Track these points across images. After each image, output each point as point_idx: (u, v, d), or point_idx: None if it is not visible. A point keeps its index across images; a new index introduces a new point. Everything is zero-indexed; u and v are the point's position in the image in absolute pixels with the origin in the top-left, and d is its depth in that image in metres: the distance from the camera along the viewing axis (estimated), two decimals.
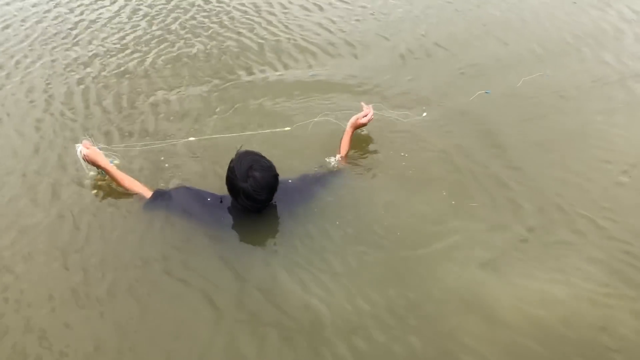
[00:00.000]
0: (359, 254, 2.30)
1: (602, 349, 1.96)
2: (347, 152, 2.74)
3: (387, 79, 3.46)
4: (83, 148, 2.47)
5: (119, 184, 2.50)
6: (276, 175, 2.27)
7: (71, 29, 4.07)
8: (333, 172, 2.63)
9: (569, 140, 2.94)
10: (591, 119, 3.09)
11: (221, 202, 2.38)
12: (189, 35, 3.98)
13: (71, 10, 4.31)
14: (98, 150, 2.50)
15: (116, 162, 2.60)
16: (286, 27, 4.06)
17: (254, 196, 2.22)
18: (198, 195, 2.41)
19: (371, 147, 2.87)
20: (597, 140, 2.91)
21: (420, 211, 2.49)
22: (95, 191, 2.56)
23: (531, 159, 2.81)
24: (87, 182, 2.60)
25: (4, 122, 3.12)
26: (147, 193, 2.45)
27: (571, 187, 2.62)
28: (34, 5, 4.37)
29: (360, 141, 2.88)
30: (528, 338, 1.98)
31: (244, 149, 2.31)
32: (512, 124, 3.07)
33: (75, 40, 3.93)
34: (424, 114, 3.10)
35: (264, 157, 2.29)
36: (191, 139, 2.87)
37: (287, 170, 2.47)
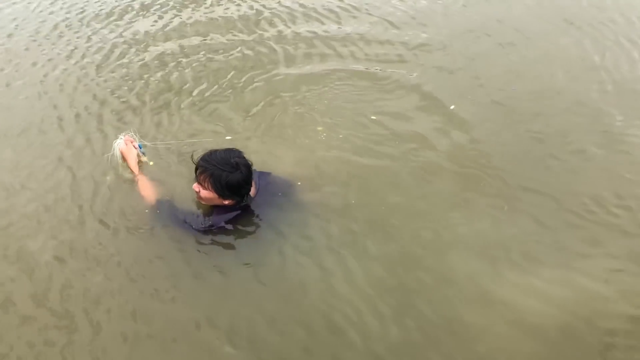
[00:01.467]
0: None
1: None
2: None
3: None
4: (121, 142, 2.63)
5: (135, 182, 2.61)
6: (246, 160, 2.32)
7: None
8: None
9: None
10: None
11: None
12: None
13: None
14: (133, 150, 2.64)
15: (144, 158, 2.72)
16: None
17: (250, 179, 2.29)
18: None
19: None
20: None
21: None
22: (108, 177, 2.71)
23: None
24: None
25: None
26: (151, 200, 2.50)
27: None
28: None
29: None
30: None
31: (195, 155, 2.33)
32: None
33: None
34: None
35: (217, 150, 2.30)
36: (228, 137, 2.98)
37: None
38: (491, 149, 2.93)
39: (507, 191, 2.69)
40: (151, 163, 2.73)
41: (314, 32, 4.02)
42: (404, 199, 2.65)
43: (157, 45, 3.88)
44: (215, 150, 2.28)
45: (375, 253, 2.39)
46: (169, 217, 2.43)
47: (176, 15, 4.25)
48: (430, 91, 3.38)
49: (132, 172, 2.61)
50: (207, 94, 3.38)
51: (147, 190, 2.54)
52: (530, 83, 3.46)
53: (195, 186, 2.30)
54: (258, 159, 2.60)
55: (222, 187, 2.23)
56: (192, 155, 2.35)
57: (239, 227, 2.42)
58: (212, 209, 2.40)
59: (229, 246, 2.38)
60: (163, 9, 4.34)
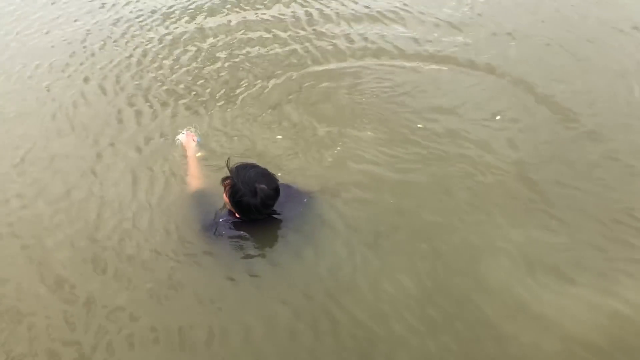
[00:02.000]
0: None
1: None
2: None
3: None
4: (183, 136, 2.98)
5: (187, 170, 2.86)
6: (277, 184, 2.33)
7: None
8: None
9: None
10: None
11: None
12: None
13: None
14: (192, 143, 2.93)
15: (199, 154, 2.96)
16: None
17: (263, 209, 2.30)
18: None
19: None
20: None
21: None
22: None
23: None
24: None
25: None
26: (190, 190, 2.71)
27: None
28: None
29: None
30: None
31: (233, 162, 2.35)
32: None
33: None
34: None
35: (258, 165, 2.35)
36: (278, 137, 3.13)
37: None
38: (542, 163, 2.85)
39: (555, 203, 2.61)
40: (199, 154, 2.95)
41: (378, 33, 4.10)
42: (444, 208, 2.64)
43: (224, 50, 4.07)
44: (252, 167, 2.33)
45: (405, 263, 2.38)
46: (193, 210, 2.61)
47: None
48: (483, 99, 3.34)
49: (187, 158, 2.87)
50: (263, 91, 3.54)
51: (192, 181, 2.74)
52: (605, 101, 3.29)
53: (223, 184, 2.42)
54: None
55: (234, 202, 2.31)
56: (228, 159, 2.39)
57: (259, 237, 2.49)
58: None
59: (257, 257, 2.45)
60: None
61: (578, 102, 3.23)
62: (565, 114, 3.15)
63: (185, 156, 2.92)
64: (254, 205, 2.26)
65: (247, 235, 2.47)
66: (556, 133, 3.04)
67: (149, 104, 3.50)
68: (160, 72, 3.82)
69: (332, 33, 4.11)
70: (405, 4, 4.39)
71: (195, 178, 2.75)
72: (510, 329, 2.12)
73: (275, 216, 2.44)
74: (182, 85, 3.66)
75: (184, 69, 3.82)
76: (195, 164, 2.83)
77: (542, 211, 2.58)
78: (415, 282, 2.30)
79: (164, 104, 3.49)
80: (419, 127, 3.12)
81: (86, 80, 3.78)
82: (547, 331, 2.11)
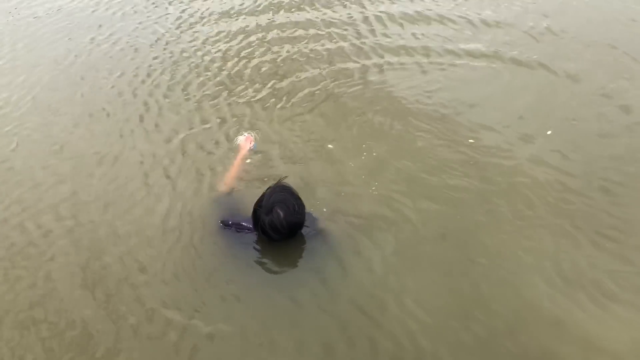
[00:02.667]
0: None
1: None
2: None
3: None
4: (242, 138, 3.19)
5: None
6: (300, 220, 2.40)
7: None
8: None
9: None
10: None
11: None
12: None
13: None
14: (248, 146, 3.11)
15: (248, 160, 3.11)
16: None
17: (269, 232, 2.39)
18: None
19: None
20: None
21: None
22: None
23: None
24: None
25: None
26: (223, 188, 2.86)
27: None
28: None
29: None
30: None
31: (285, 181, 2.47)
32: None
33: None
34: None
35: (295, 198, 2.39)
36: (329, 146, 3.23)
37: None
38: (592, 181, 2.81)
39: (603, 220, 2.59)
40: (248, 161, 3.09)
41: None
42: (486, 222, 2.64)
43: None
44: (287, 192, 2.41)
45: (442, 278, 2.41)
46: (218, 205, 2.78)
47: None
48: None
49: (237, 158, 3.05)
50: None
51: (229, 179, 2.92)
52: None
53: None
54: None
55: (253, 210, 2.45)
56: (283, 178, 2.51)
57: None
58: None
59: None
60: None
61: None
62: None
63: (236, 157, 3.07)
64: (266, 223, 2.36)
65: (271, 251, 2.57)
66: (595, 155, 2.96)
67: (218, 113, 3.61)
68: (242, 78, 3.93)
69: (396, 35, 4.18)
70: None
71: (232, 178, 2.91)
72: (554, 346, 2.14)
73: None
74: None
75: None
76: (240, 166, 2.99)
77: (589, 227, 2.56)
78: (454, 297, 2.34)
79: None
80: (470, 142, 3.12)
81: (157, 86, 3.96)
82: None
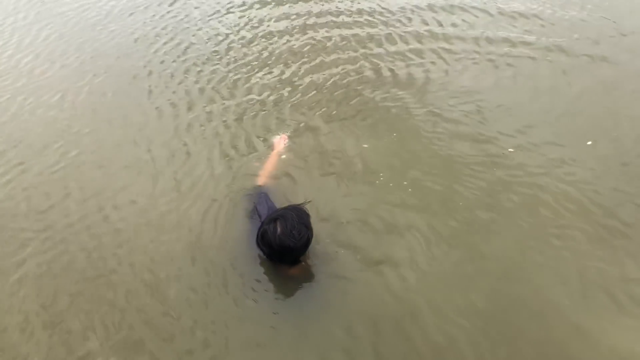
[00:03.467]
0: None
1: None
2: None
3: None
4: (277, 137, 3.26)
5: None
6: (294, 245, 2.25)
7: None
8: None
9: None
10: None
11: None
12: None
13: None
14: (282, 145, 3.18)
15: (283, 156, 3.16)
16: None
17: (260, 243, 2.37)
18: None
19: None
20: None
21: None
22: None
23: None
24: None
25: None
26: (258, 182, 2.92)
27: None
28: None
29: None
30: None
31: (307, 203, 2.42)
32: None
33: None
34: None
35: (301, 223, 2.26)
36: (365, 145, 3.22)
37: None
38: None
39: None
40: (283, 156, 3.14)
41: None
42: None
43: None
44: (295, 210, 2.33)
45: (469, 283, 2.44)
46: (248, 198, 2.82)
47: None
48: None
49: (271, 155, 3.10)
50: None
51: (263, 175, 2.96)
52: None
53: None
54: None
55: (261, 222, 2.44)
56: (308, 201, 2.46)
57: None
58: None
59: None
60: None
61: None
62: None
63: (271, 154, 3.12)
64: (260, 229, 2.35)
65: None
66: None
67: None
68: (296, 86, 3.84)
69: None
70: None
71: (266, 174, 2.95)
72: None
73: None
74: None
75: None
76: (274, 163, 3.03)
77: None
78: (481, 301, 2.37)
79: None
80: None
81: (197, 83, 3.90)
82: None
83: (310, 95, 3.67)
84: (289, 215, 2.29)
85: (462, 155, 3.09)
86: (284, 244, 2.25)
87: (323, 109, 3.52)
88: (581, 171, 2.93)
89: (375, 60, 3.96)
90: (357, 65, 3.93)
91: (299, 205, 2.39)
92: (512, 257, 2.54)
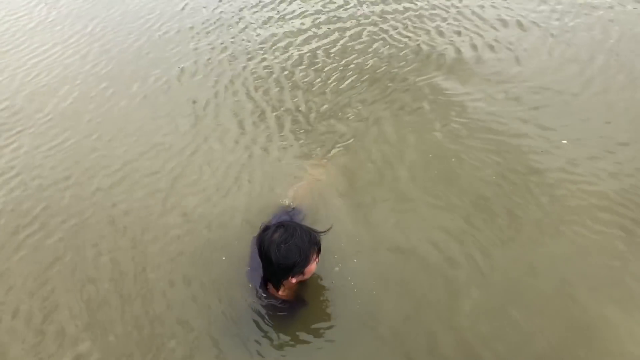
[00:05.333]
0: None
1: None
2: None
3: None
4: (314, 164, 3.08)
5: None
6: (278, 261, 2.04)
7: None
8: None
9: None
10: None
11: None
12: None
13: None
14: (320, 174, 3.00)
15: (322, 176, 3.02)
16: None
17: (264, 263, 2.14)
18: None
19: None
20: None
21: None
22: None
23: None
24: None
25: None
26: (290, 196, 2.78)
27: None
28: None
29: None
30: None
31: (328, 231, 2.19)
32: None
33: None
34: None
35: (298, 244, 2.05)
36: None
37: None
38: None
39: None
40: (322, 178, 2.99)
41: None
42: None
43: None
44: (301, 228, 2.13)
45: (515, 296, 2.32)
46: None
47: None
48: None
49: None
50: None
51: (298, 192, 2.81)
52: None
53: None
54: None
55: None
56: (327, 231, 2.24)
57: None
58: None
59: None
60: None
61: None
62: None
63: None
64: (259, 241, 2.12)
65: None
66: None
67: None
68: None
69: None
70: None
71: (301, 193, 2.79)
72: None
73: None
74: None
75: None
76: (309, 186, 2.86)
77: None
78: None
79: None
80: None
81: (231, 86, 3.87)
82: None
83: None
84: (294, 230, 2.08)
85: None
86: (267, 253, 2.07)
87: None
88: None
89: None
90: None
91: (316, 230, 2.16)
92: None
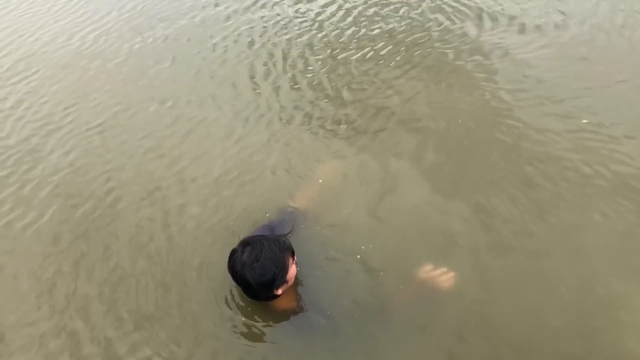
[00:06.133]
0: None
1: None
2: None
3: None
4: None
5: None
6: (253, 280, 1.96)
7: None
8: None
9: None
10: None
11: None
12: None
13: None
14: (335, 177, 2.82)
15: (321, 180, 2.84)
16: None
17: (238, 279, 2.03)
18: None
19: None
20: None
21: None
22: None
23: None
24: None
25: None
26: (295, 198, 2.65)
27: None
28: None
29: None
30: None
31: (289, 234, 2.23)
32: None
33: None
34: None
35: (271, 257, 1.96)
36: None
37: None
38: None
39: None
40: (320, 181, 2.82)
41: None
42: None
43: None
44: (270, 241, 2.03)
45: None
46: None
47: None
48: None
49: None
50: None
51: (303, 193, 2.68)
52: None
53: None
54: None
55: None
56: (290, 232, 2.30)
57: None
58: None
59: None
60: None
61: None
62: None
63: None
64: (230, 260, 2.04)
65: None
66: None
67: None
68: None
69: None
70: None
71: (305, 193, 2.68)
72: None
73: None
74: None
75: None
76: (318, 189, 2.73)
77: None
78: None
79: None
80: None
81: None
82: None
83: None
84: (261, 245, 1.99)
85: None
86: (243, 277, 1.98)
87: None
88: None
89: None
90: None
91: (282, 235, 2.13)
92: None
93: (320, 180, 2.78)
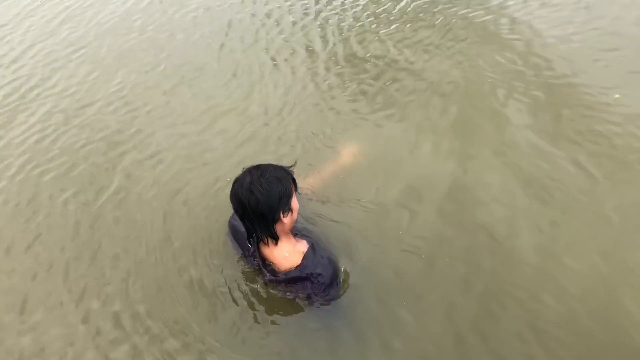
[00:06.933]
0: None
1: None
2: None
3: None
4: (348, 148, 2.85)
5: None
6: (254, 201, 1.86)
7: None
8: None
9: None
10: None
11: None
12: None
13: None
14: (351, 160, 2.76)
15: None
16: None
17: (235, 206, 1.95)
18: None
19: None
20: None
21: None
22: None
23: None
24: None
25: None
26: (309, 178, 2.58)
27: None
28: None
29: None
30: None
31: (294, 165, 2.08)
32: None
33: None
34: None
35: (278, 178, 1.91)
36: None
37: None
38: None
39: None
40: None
41: None
42: None
43: None
44: (282, 169, 2.00)
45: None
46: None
47: None
48: None
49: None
50: None
51: (313, 177, 2.60)
52: None
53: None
54: None
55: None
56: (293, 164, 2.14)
57: None
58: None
59: None
60: None
61: None
62: None
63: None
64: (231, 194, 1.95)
65: None
66: None
67: None
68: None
69: None
70: None
71: (317, 180, 2.59)
72: None
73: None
74: None
75: None
76: (331, 172, 2.64)
77: None
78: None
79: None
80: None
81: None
82: None
83: None
84: (266, 166, 1.96)
85: None
86: (248, 197, 1.87)
87: None
88: None
89: None
90: None
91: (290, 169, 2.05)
92: None
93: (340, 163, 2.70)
